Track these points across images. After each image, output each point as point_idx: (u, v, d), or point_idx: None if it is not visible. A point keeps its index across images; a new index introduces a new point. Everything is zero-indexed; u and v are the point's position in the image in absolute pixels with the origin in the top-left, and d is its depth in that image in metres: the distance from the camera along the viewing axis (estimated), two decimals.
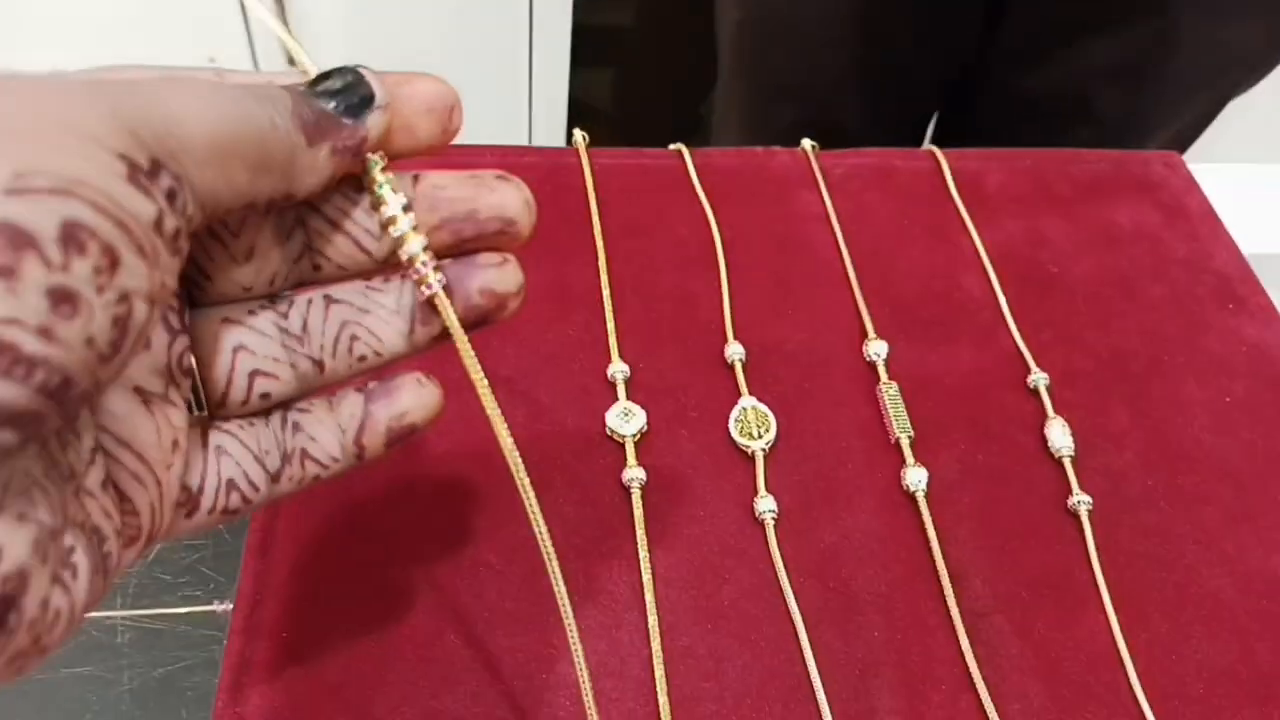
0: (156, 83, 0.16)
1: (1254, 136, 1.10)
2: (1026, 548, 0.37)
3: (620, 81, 1.48)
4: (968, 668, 0.34)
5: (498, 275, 0.22)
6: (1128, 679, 0.34)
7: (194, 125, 0.16)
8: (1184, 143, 0.68)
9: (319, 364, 0.22)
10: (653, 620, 0.34)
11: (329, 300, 0.22)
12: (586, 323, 0.42)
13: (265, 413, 0.22)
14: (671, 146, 0.50)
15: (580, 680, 0.26)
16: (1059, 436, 0.39)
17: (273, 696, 0.32)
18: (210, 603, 0.35)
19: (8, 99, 0.15)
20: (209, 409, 0.21)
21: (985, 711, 0.33)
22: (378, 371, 0.23)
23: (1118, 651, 0.34)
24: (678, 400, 0.40)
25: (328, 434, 0.22)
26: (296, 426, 0.22)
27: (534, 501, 0.23)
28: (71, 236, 0.14)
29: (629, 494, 0.37)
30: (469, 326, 0.22)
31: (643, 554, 0.35)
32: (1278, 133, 1.19)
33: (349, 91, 0.19)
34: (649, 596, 0.35)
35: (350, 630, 0.33)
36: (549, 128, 1.18)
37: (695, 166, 0.48)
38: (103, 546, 0.17)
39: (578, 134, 0.49)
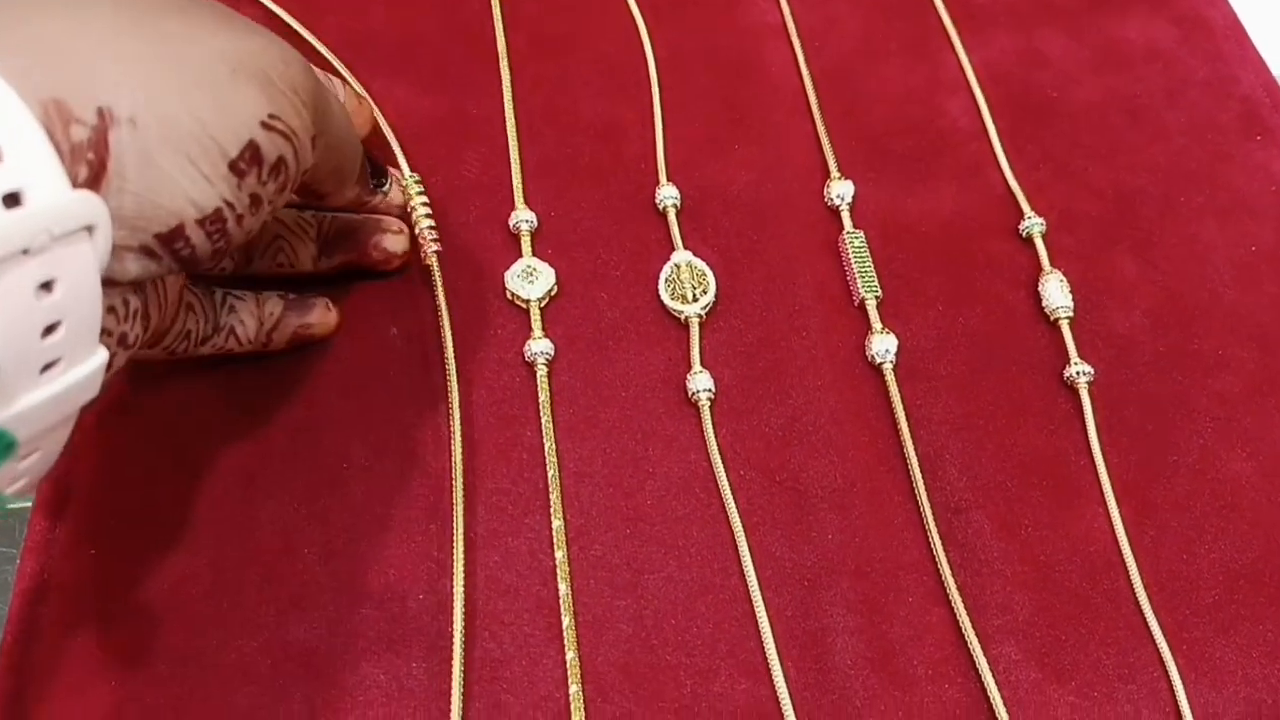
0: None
1: None
2: (1013, 429, 0.32)
3: None
4: (940, 575, 0.29)
5: (392, 240, 0.32)
6: (1130, 585, 0.30)
7: (336, 122, 0.26)
8: None
9: (250, 258, 0.31)
10: (558, 524, 0.29)
11: (273, 218, 0.31)
12: (485, 160, 0.36)
13: (211, 292, 0.29)
14: None
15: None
16: (1055, 294, 0.34)
17: (76, 629, 0.27)
18: None
19: (274, 51, 0.23)
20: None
21: (960, 627, 0.29)
22: (296, 285, 0.32)
23: (1119, 552, 0.30)
24: (595, 255, 0.35)
25: (251, 320, 0.30)
26: (232, 308, 0.29)
27: (455, 382, 0.30)
28: (277, 166, 0.23)
29: (533, 371, 0.32)
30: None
31: (548, 444, 0.31)
32: None
33: (382, 177, 0.31)
34: (554, 496, 0.30)
35: (175, 544, 0.28)
36: None
37: None
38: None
39: None
